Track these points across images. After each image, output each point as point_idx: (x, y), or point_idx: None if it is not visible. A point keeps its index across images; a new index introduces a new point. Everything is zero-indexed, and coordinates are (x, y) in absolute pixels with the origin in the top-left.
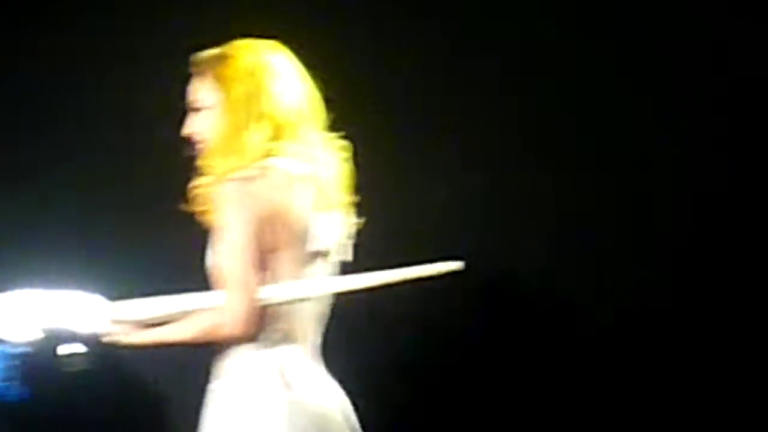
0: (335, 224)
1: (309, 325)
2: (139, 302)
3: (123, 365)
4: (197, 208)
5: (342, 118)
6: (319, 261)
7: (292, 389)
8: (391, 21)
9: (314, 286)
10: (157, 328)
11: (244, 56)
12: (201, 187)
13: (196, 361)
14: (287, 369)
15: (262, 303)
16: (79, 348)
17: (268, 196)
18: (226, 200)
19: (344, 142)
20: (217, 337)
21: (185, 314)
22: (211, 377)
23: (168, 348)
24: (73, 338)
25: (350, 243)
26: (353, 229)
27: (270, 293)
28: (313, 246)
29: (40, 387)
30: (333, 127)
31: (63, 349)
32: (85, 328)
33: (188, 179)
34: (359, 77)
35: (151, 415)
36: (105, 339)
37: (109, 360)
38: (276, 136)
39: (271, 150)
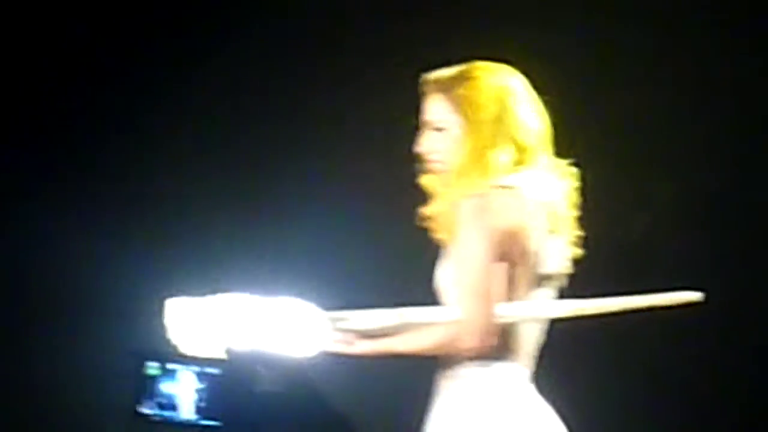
0: (562, 250)
1: (530, 347)
2: (357, 313)
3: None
4: (432, 226)
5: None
6: (545, 285)
7: (518, 406)
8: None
9: (549, 308)
10: (386, 339)
11: (488, 78)
12: (439, 205)
13: (401, 379)
14: (512, 386)
15: (500, 318)
16: (300, 358)
17: (507, 214)
18: (466, 216)
19: (573, 169)
20: (454, 348)
21: (406, 327)
22: (432, 394)
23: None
24: (293, 349)
25: (570, 270)
26: (576, 256)
27: (506, 310)
28: (542, 269)
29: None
30: (557, 153)
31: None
32: (308, 337)
33: (418, 196)
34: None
35: None
36: (328, 349)
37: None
38: (518, 161)
39: (511, 172)
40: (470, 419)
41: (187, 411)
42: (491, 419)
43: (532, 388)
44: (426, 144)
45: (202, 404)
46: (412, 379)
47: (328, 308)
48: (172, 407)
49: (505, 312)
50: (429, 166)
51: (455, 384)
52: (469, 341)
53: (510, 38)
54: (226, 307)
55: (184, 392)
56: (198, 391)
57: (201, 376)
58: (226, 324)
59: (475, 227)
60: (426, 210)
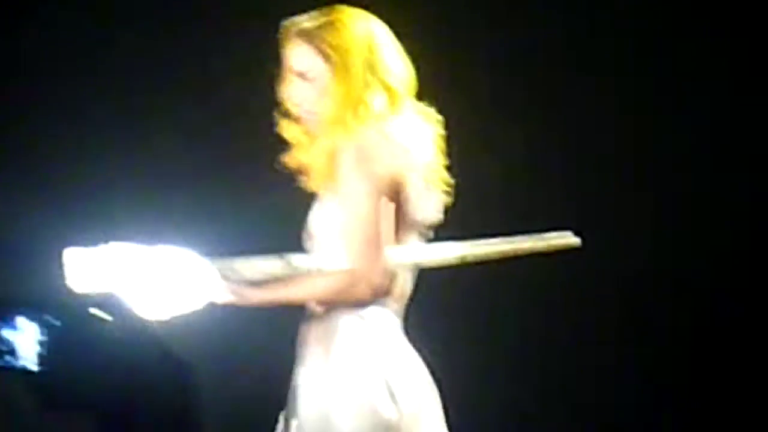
0: (434, 198)
1: (403, 295)
2: (243, 261)
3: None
4: (304, 173)
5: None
6: (415, 234)
7: (390, 352)
8: None
9: (432, 251)
10: (277, 288)
11: (353, 23)
12: (311, 154)
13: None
14: (385, 332)
15: (388, 264)
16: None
17: (386, 161)
18: (347, 164)
19: (437, 115)
20: (347, 296)
21: (292, 274)
22: (300, 343)
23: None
24: (181, 301)
25: (440, 219)
26: (446, 202)
27: (394, 255)
28: (416, 217)
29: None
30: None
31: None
32: (196, 288)
33: (284, 144)
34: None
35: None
36: (217, 299)
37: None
38: (388, 106)
39: (383, 119)
40: (340, 366)
41: (27, 359)
42: (360, 367)
43: (401, 336)
44: (292, 93)
45: (43, 353)
46: (278, 322)
47: (212, 256)
48: (11, 353)
49: (392, 257)
50: (295, 115)
51: (326, 330)
52: (364, 289)
53: None
54: (116, 256)
55: (24, 340)
56: (39, 341)
57: (42, 325)
58: (115, 273)
59: (358, 175)
60: (291, 159)
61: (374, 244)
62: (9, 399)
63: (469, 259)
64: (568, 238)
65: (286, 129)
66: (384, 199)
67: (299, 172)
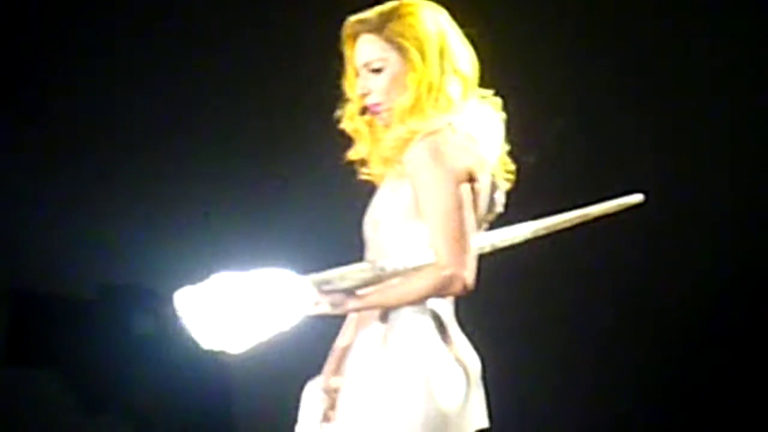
0: (501, 187)
1: None
2: (337, 272)
3: None
4: (367, 164)
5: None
6: (484, 221)
7: (450, 343)
8: None
9: (510, 233)
10: (374, 294)
11: (421, 14)
12: (381, 142)
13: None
14: (444, 323)
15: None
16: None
17: (463, 154)
18: (426, 159)
19: (499, 101)
20: (443, 294)
21: (382, 277)
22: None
23: None
24: (281, 322)
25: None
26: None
27: (476, 242)
28: (485, 207)
29: None
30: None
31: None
32: (294, 307)
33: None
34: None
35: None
36: (315, 312)
37: None
38: (462, 93)
39: (459, 108)
40: (396, 351)
41: None
42: (414, 355)
43: (455, 324)
44: (367, 86)
45: None
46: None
47: (306, 272)
48: None
49: (476, 245)
50: (376, 107)
51: (381, 319)
52: (459, 285)
53: None
54: (223, 290)
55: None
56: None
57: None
58: (226, 309)
59: (438, 172)
60: (355, 153)
61: (463, 239)
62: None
63: (541, 233)
64: (631, 198)
65: (350, 124)
66: (466, 191)
67: (361, 164)
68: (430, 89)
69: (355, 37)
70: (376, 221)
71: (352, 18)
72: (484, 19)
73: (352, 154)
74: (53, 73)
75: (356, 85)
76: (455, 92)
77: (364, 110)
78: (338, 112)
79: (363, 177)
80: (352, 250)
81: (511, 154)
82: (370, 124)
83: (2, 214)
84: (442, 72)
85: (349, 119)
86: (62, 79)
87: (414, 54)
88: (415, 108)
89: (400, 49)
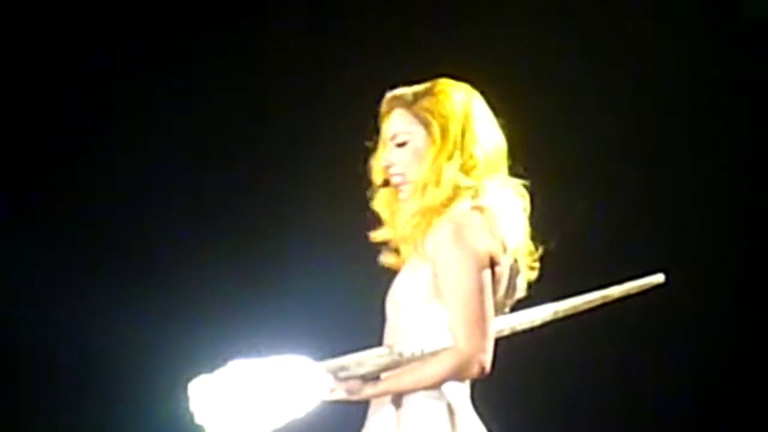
0: (522, 273)
1: None
2: (353, 358)
3: None
4: (391, 244)
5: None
6: (504, 306)
7: (461, 429)
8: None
9: (529, 316)
10: (390, 379)
11: (453, 94)
12: (401, 221)
13: None
14: (456, 407)
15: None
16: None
17: (484, 239)
18: (447, 240)
19: (524, 189)
20: (461, 378)
21: (399, 362)
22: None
23: None
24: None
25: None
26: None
27: (495, 326)
28: (504, 293)
29: None
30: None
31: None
32: (310, 394)
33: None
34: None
35: None
36: (331, 398)
37: None
38: (481, 176)
39: (476, 189)
40: None
41: None
42: None
43: (470, 407)
44: (389, 159)
45: None
46: None
47: (321, 358)
48: None
49: (495, 329)
50: (390, 181)
51: (395, 402)
52: (477, 369)
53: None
54: (238, 378)
55: None
56: None
57: None
58: (241, 396)
59: (459, 255)
60: (381, 234)
61: (483, 322)
62: None
63: (561, 314)
64: (653, 278)
65: (379, 201)
66: (487, 275)
67: (385, 244)
68: (444, 168)
69: (389, 112)
70: (396, 302)
71: (389, 94)
72: (512, 105)
73: (378, 236)
74: None
75: (381, 156)
76: (470, 174)
77: (386, 182)
78: (368, 193)
79: (383, 264)
80: (369, 334)
81: (533, 238)
82: (397, 201)
83: None
84: (462, 151)
85: (379, 200)
86: None
87: (436, 129)
88: (432, 183)
89: (425, 124)
